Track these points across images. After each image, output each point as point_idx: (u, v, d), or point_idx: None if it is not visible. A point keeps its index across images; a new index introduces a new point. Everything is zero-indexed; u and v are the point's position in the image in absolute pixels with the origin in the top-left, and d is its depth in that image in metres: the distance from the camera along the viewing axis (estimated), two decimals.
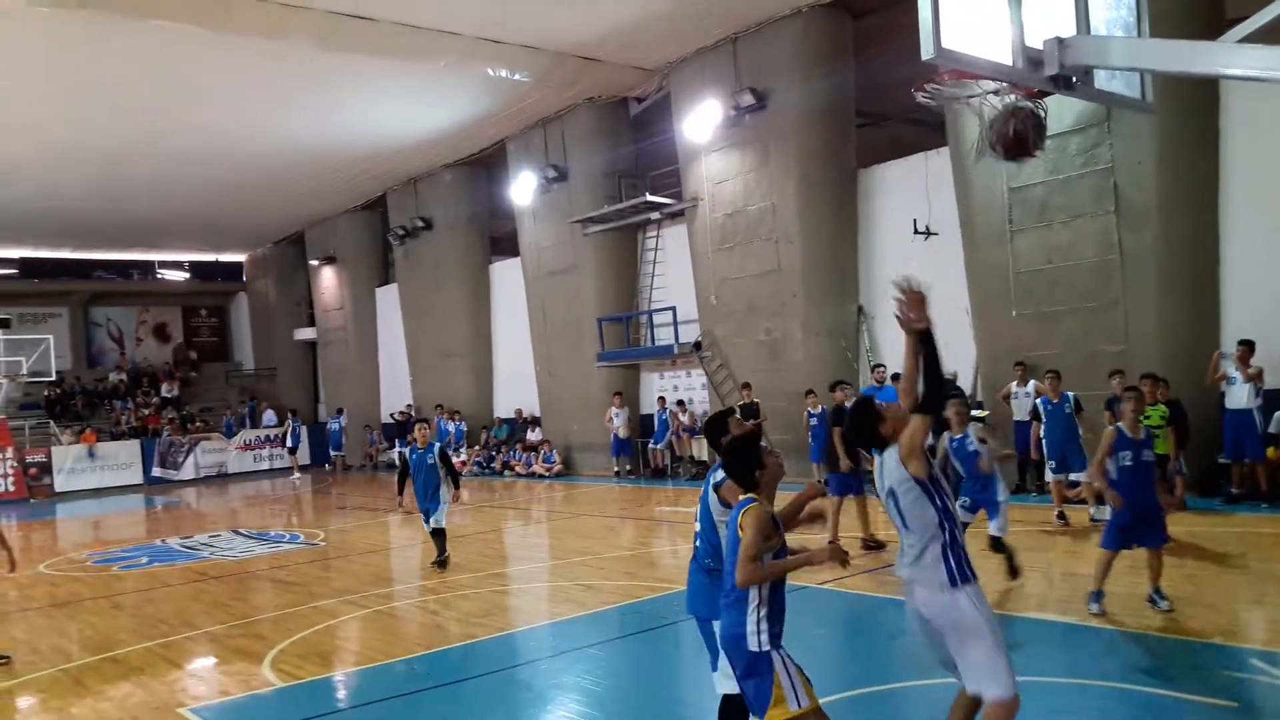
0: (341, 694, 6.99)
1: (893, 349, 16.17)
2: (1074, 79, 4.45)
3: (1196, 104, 12.04)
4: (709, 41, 17.38)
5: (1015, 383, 13.32)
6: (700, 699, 6.32)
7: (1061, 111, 12.64)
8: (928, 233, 15.33)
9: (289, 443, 27.67)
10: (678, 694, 6.52)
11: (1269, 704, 5.51)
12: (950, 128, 14.20)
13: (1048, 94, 4.61)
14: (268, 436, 29.89)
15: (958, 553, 4.12)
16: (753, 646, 4.05)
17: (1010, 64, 4.27)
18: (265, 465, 29.01)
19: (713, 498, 4.83)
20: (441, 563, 11.04)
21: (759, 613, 4.05)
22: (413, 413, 26.72)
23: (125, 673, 7.58)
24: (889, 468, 4.25)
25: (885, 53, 16.13)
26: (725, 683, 4.57)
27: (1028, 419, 12.99)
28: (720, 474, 4.82)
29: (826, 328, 16.63)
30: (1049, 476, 12.01)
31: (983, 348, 14.51)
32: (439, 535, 11.16)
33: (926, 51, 3.93)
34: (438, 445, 11.32)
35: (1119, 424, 7.25)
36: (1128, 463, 7.06)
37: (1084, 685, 5.81)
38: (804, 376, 16.39)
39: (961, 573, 4.10)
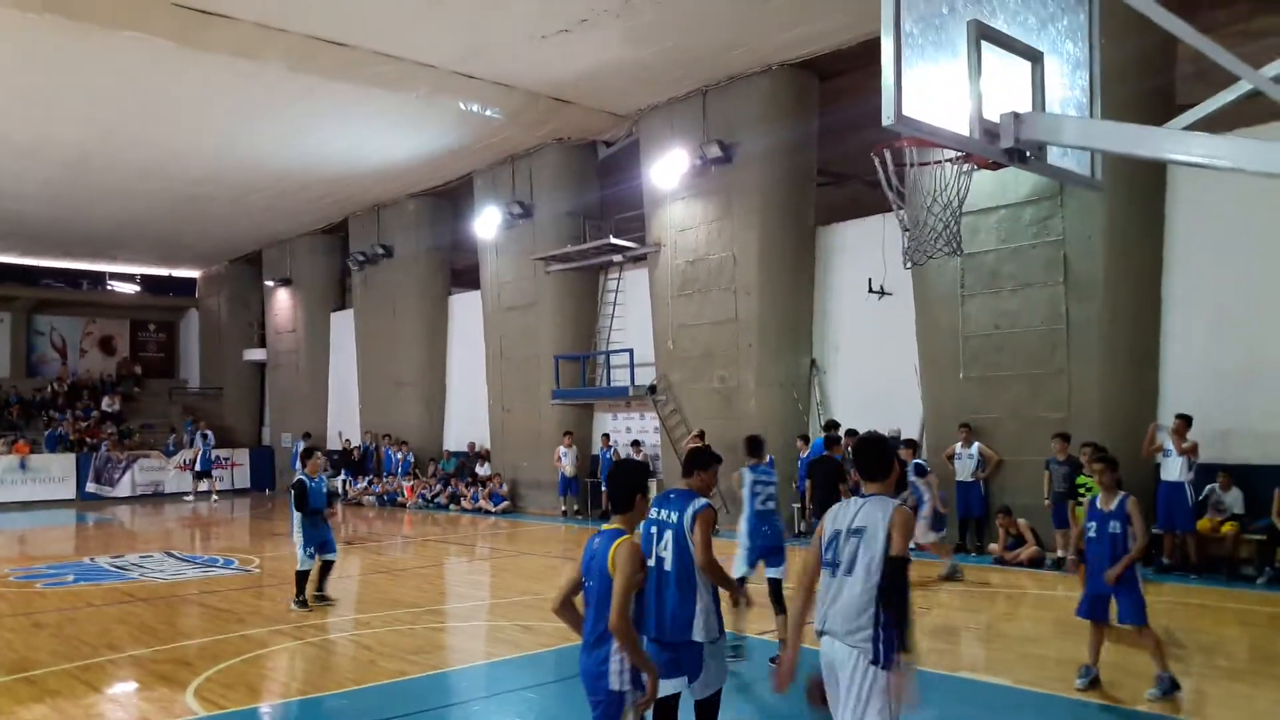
0: None
1: (843, 404, 16.36)
2: (1028, 153, 4.59)
3: (1145, 186, 12.48)
4: (679, 92, 17.66)
5: (960, 443, 13.54)
6: None
7: (1017, 183, 13.04)
8: (882, 292, 15.59)
9: (197, 466, 26.90)
10: None
11: None
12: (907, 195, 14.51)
13: (1003, 165, 4.75)
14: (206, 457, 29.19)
15: (890, 632, 3.99)
16: (614, 685, 4.09)
17: (968, 135, 4.39)
18: (204, 486, 28.29)
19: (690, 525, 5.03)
20: (323, 596, 10.79)
21: (622, 651, 4.07)
22: (367, 444, 26.31)
23: (39, 695, 7.30)
24: (868, 512, 4.15)
25: (849, 114, 16.51)
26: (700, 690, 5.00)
27: (971, 479, 13.22)
28: (699, 502, 5.10)
29: (779, 379, 16.79)
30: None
31: (930, 407, 14.73)
32: (329, 567, 10.93)
33: (887, 118, 4.03)
34: (326, 476, 11.27)
35: (1094, 495, 7.26)
36: (1092, 534, 7.07)
37: None
38: (756, 426, 16.36)
39: (889, 654, 3.97)
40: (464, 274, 25.56)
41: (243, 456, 30.23)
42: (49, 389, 32.27)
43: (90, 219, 26.15)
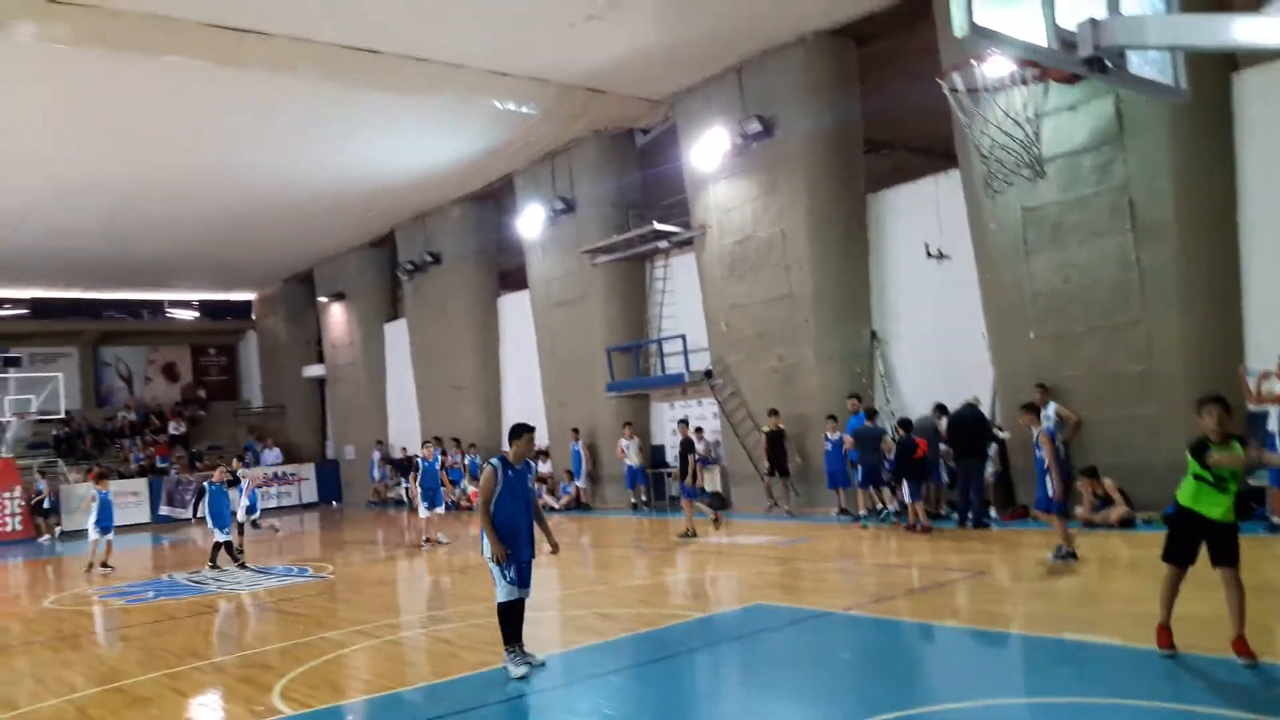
0: None
1: (908, 374, 16.00)
2: (1108, 62, 4.31)
3: (1209, 117, 11.92)
4: (714, 71, 17.41)
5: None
6: None
7: (1073, 129, 12.59)
8: (940, 256, 15.21)
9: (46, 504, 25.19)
10: (700, 717, 6.29)
11: None
12: (960, 149, 14.09)
13: (1080, 78, 4.48)
14: (275, 474, 29.73)
15: None
16: None
17: (1043, 45, 4.13)
18: (273, 503, 28.77)
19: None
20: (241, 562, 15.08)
21: None
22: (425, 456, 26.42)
23: (131, 703, 7.35)
24: None
25: (889, 81, 16.15)
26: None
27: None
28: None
29: (840, 353, 16.45)
30: None
31: (1000, 370, 14.30)
32: (227, 546, 15.15)
33: (959, 28, 3.80)
34: (244, 481, 16.33)
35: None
36: None
37: (1136, 707, 5.55)
38: (818, 402, 16.22)
39: None
40: (511, 275, 25.57)
41: (309, 471, 30.67)
42: (118, 418, 33.06)
43: (145, 249, 26.73)
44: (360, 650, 8.72)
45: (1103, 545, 11.19)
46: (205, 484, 15.55)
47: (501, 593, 7.44)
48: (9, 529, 24.71)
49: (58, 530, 24.86)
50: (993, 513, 13.75)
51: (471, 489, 23.75)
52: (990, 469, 13.81)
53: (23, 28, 13.31)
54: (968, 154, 13.67)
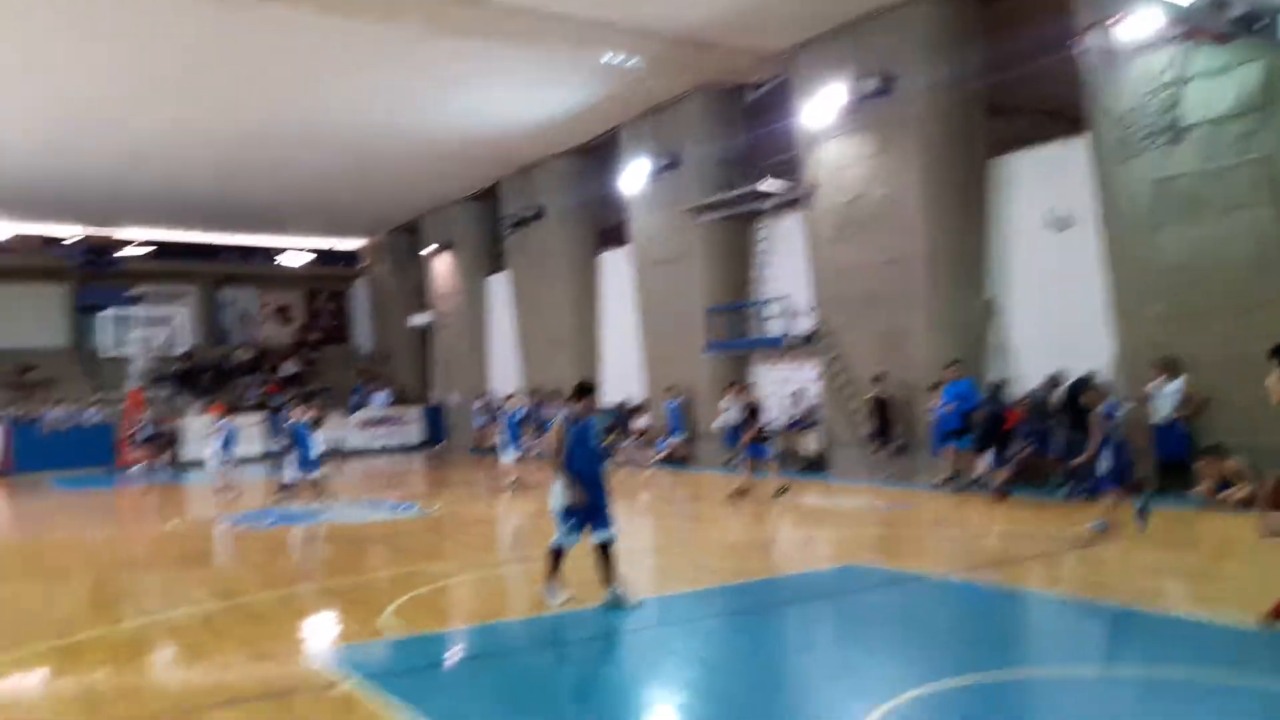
0: (458, 647, 7.05)
1: (1024, 344, 15.50)
2: (1259, 23, 4.07)
3: None
4: (831, 26, 16.90)
5: (1157, 380, 12.59)
6: (817, 674, 6.16)
7: (1217, 96, 11.82)
8: (1064, 225, 14.64)
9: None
10: (793, 667, 6.36)
11: None
12: (1090, 114, 13.46)
13: (1229, 38, 4.25)
14: (383, 416, 30.97)
15: None
16: None
17: (1190, 2, 3.92)
18: (381, 443, 29.99)
19: None
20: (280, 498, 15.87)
21: None
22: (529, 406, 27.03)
23: (250, 618, 7.83)
24: None
25: (1016, 41, 15.48)
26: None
27: (1171, 416, 12.27)
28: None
29: (952, 321, 16.02)
30: None
31: (1123, 344, 13.72)
32: (285, 485, 16.01)
33: None
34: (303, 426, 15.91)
35: None
36: None
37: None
38: (926, 370, 15.86)
39: None
40: (612, 232, 25.64)
41: (415, 414, 31.82)
42: (234, 356, 34.71)
43: (258, 195, 27.73)
44: (463, 582, 9.07)
45: (1223, 526, 10.79)
46: (292, 423, 16.22)
47: (557, 538, 7.80)
48: (134, 455, 26.24)
49: (159, 461, 26.12)
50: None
51: None
52: None
53: None
54: (1098, 119, 13.07)
